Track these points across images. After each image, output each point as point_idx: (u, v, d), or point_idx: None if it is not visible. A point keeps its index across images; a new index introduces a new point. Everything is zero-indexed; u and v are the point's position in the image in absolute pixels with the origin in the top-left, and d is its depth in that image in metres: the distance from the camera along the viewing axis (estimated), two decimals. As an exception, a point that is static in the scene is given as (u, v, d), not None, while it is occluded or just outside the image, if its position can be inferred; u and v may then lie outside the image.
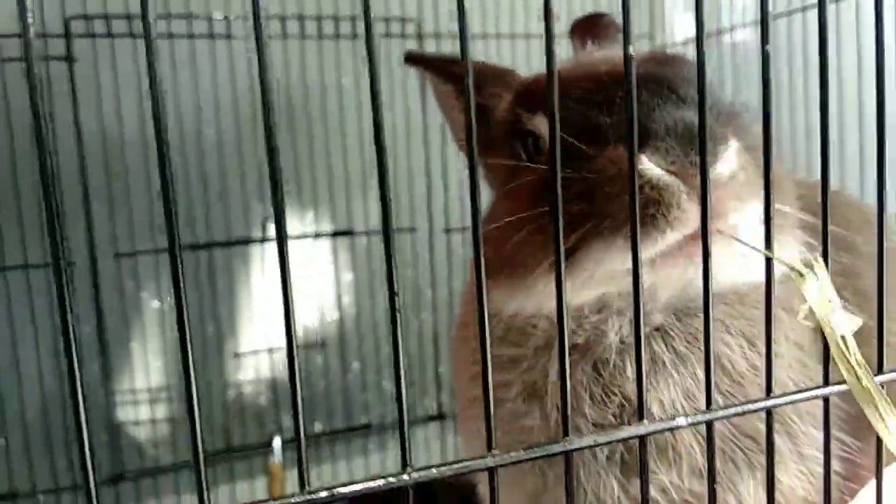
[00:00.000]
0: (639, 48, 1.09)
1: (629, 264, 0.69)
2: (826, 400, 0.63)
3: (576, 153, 0.75)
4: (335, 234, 2.39)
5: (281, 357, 2.38)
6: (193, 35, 2.13)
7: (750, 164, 0.71)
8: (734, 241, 0.65)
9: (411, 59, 1.22)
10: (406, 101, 2.36)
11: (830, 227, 0.90)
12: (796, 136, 2.08)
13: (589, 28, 1.17)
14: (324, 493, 0.50)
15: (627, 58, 0.52)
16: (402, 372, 0.54)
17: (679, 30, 2.55)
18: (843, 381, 0.67)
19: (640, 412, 0.58)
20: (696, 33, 0.64)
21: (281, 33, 2.20)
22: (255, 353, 2.35)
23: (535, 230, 0.74)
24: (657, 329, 0.81)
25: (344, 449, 2.48)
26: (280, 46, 2.22)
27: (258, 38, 0.48)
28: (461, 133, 1.09)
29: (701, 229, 0.57)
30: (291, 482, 2.28)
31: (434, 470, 0.54)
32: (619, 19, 2.45)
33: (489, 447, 0.55)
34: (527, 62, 2.33)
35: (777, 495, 0.81)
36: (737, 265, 0.70)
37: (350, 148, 2.36)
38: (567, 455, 0.57)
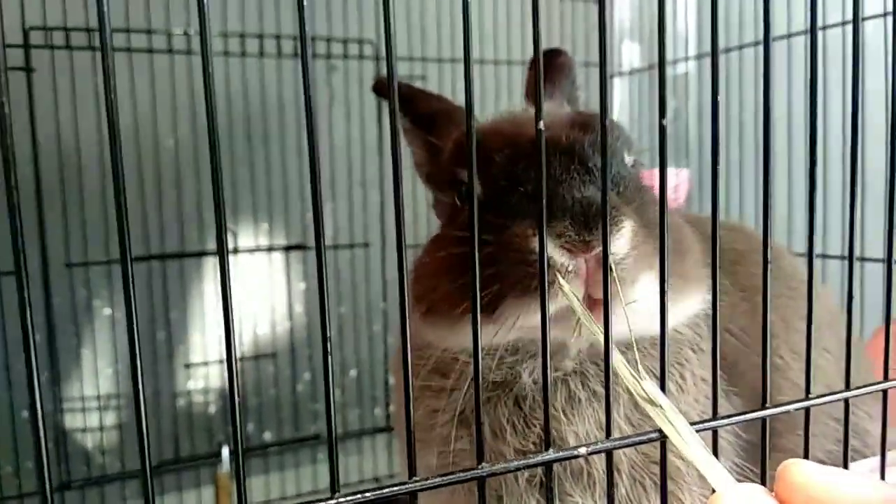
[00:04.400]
0: (566, 108, 1.13)
1: (528, 321, 0.77)
2: (715, 432, 0.71)
3: (490, 218, 0.81)
4: (288, 248, 2.43)
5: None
6: (153, 49, 2.16)
7: (647, 240, 0.78)
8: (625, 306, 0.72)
9: (378, 89, 1.24)
10: (362, 117, 2.42)
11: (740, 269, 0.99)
12: (730, 170, 2.20)
13: (544, 66, 1.22)
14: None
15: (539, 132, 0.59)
16: (332, 403, 0.60)
17: (626, 59, 2.66)
18: (735, 415, 0.75)
19: (547, 441, 0.65)
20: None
21: (240, 51, 2.25)
22: (206, 363, 2.38)
23: (456, 276, 0.80)
24: (574, 372, 0.89)
25: (292, 459, 2.52)
26: (239, 63, 2.27)
27: (204, 54, 0.53)
28: (419, 165, 1.14)
29: (603, 301, 0.64)
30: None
31: (360, 495, 0.60)
32: (583, 51, 2.50)
33: (410, 474, 0.62)
34: (480, 86, 2.41)
35: (681, 515, 0.90)
36: (635, 324, 0.76)
37: (306, 163, 2.40)
38: (481, 479, 0.64)
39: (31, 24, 2.02)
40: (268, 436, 2.49)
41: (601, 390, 0.87)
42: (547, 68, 1.16)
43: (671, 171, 2.40)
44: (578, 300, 0.72)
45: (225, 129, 2.30)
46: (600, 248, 0.73)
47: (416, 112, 1.09)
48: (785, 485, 0.56)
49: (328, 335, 0.60)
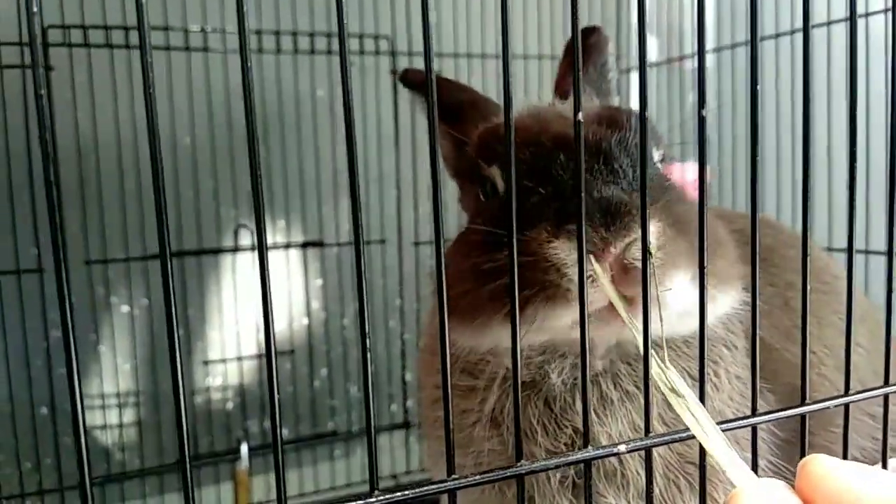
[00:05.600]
0: (594, 102, 1.11)
1: (554, 322, 0.75)
2: (754, 429, 0.70)
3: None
4: (305, 245, 2.43)
5: (249, 365, 2.41)
6: (170, 47, 2.16)
7: (675, 238, 0.76)
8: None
9: (407, 80, 1.21)
10: (378, 113, 2.41)
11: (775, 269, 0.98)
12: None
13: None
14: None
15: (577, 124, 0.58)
16: (370, 401, 0.59)
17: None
18: (773, 411, 0.74)
19: (586, 439, 0.64)
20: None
21: (257, 48, 2.25)
22: (224, 360, 2.38)
23: (480, 276, 0.79)
24: (605, 371, 0.88)
25: (310, 455, 2.52)
26: (256, 60, 2.26)
27: (242, 51, 0.53)
28: (446, 158, 1.12)
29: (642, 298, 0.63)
30: (257, 488, 2.31)
31: (399, 493, 0.59)
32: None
33: (449, 472, 0.61)
34: (496, 82, 2.40)
35: (715, 512, 0.89)
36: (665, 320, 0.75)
37: (322, 160, 2.40)
38: (520, 477, 0.63)
39: (50, 23, 2.02)
40: (285, 432, 2.50)
41: (633, 390, 0.86)
42: (583, 49, 1.09)
43: (690, 165, 2.38)
44: (618, 295, 0.71)
45: (241, 127, 2.29)
46: (617, 250, 0.72)
47: (443, 104, 1.07)
48: (806, 480, 0.54)
49: (367, 331, 0.60)
